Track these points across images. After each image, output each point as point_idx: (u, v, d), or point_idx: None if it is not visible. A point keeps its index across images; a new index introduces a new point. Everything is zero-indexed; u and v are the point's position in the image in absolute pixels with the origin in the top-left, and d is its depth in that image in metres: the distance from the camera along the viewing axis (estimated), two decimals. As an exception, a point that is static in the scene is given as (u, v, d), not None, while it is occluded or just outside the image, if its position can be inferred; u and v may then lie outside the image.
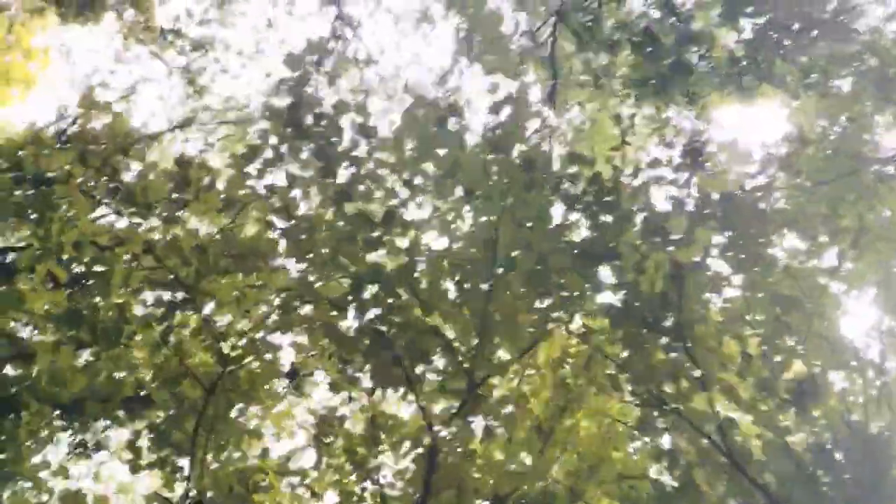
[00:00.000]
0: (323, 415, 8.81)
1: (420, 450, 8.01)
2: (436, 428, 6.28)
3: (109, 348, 7.80)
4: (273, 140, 6.50)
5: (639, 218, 7.48)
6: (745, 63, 13.41)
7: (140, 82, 17.12)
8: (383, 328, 6.59)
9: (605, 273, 7.02)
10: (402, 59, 15.78)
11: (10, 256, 12.89)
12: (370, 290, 6.66)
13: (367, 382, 8.20)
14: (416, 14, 15.73)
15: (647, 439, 8.02)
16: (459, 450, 6.07)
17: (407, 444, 8.35)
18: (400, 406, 8.72)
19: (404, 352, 6.61)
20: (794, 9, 13.70)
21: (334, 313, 7.13)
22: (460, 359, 6.30)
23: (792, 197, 9.12)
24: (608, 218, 7.01)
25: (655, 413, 7.61)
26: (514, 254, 5.79)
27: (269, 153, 6.62)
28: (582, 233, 7.10)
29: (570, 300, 6.64)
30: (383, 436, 8.21)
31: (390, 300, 6.53)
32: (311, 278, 7.15)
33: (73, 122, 16.51)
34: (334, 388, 8.31)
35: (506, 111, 6.52)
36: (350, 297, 6.74)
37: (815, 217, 8.71)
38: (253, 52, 16.75)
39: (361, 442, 8.37)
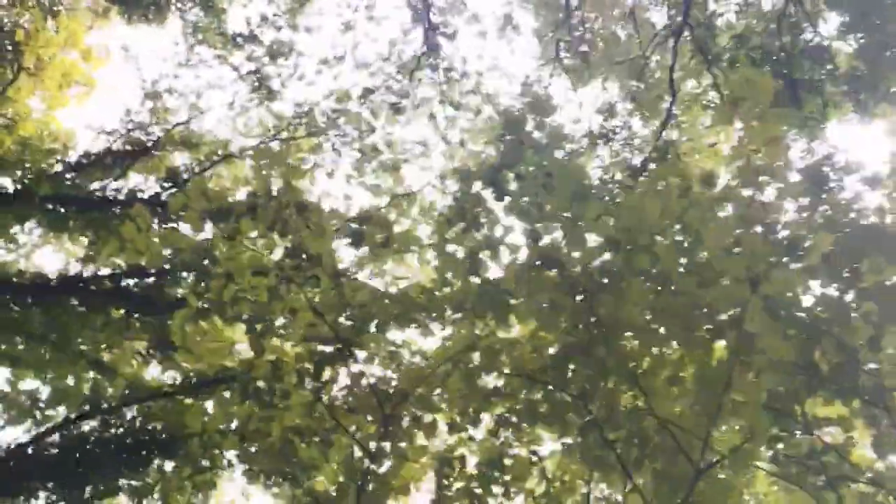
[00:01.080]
0: (443, 456, 8.40)
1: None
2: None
3: (262, 407, 7.33)
4: (471, 200, 5.96)
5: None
6: (863, 79, 12.79)
7: (208, 88, 16.48)
8: (591, 407, 6.09)
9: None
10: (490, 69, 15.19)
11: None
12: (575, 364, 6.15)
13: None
14: (502, 22, 15.13)
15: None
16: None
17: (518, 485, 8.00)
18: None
19: (611, 429, 6.11)
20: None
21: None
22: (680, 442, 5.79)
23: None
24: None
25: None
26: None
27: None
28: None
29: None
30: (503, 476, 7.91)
31: (599, 381, 6.02)
32: (498, 345, 6.65)
33: (141, 129, 15.88)
34: (453, 428, 7.93)
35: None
36: (551, 370, 6.23)
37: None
38: (330, 59, 16.11)
39: (480, 484, 8.02)
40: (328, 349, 7.58)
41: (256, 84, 16.35)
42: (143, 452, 9.31)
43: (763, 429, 5.44)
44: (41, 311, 10.77)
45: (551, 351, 6.27)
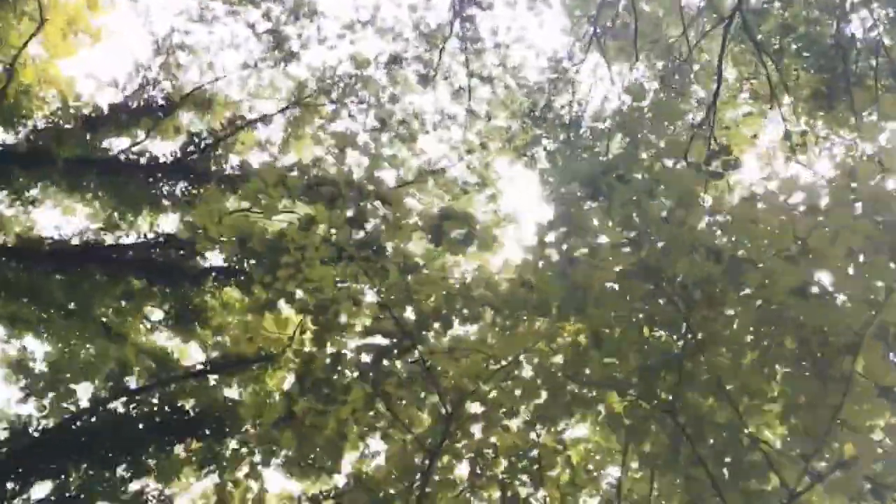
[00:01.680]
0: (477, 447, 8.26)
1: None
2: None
3: (322, 403, 7.06)
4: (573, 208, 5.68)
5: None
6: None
7: (222, 47, 15.81)
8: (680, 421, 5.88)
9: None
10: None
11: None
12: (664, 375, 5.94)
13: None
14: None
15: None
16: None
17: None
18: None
19: (698, 443, 5.92)
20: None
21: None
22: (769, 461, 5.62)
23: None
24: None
25: None
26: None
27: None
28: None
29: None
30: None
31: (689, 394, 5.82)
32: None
33: (154, 86, 15.19)
34: (490, 420, 7.80)
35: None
36: (636, 380, 6.02)
37: None
38: (353, 22, 15.54)
39: (509, 473, 7.94)
40: (389, 342, 7.34)
41: (273, 44, 15.76)
42: (173, 432, 9.03)
43: (871, 455, 5.28)
44: (62, 279, 10.35)
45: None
